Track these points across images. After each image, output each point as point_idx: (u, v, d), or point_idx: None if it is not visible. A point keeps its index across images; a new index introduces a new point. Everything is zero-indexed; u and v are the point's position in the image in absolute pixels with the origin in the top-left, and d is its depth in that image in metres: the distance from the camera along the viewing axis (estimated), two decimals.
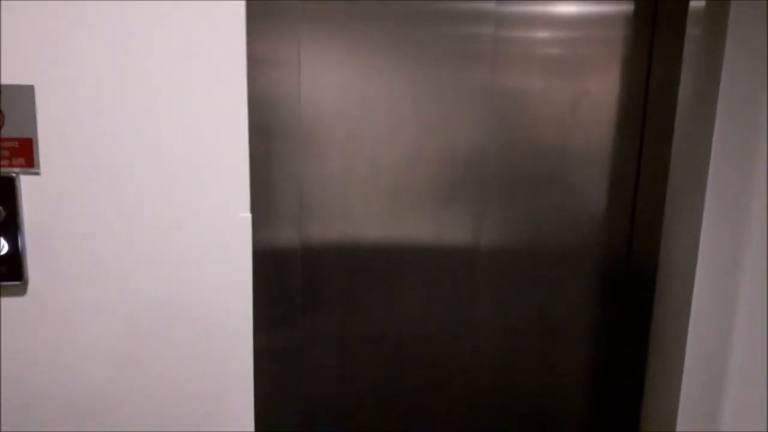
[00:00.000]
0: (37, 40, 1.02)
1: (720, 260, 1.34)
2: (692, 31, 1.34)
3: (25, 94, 1.03)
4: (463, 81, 1.37)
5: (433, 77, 1.35)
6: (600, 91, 1.41)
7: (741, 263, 1.34)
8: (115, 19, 1.03)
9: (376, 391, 1.48)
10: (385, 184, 1.38)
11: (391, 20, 1.31)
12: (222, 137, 1.11)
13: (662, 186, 1.44)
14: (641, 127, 1.43)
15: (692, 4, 1.34)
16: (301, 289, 1.38)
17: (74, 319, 1.11)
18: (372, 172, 1.36)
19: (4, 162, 1.04)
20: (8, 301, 1.08)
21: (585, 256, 1.49)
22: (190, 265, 1.13)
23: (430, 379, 1.50)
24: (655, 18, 1.39)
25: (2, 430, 1.12)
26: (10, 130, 1.03)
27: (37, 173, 1.06)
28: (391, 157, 1.37)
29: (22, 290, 1.08)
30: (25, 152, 1.04)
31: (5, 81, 1.02)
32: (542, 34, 1.38)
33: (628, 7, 1.39)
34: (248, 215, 1.14)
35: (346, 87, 1.32)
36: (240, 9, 1.07)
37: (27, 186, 1.05)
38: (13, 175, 1.04)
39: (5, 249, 1.05)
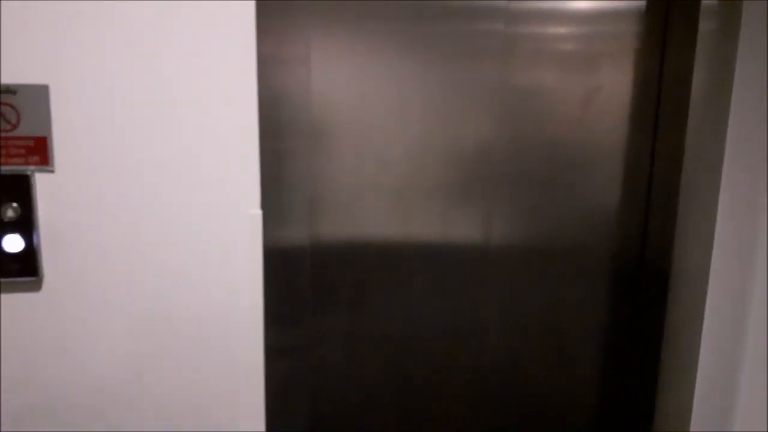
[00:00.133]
0: (51, 40, 1.04)
1: (735, 257, 1.32)
2: (705, 26, 1.33)
3: (40, 93, 1.05)
4: (474, 78, 1.36)
5: (444, 74, 1.35)
6: (612, 87, 1.40)
7: (756, 260, 1.32)
8: (127, 20, 1.05)
9: (385, 389, 1.48)
10: (395, 182, 1.38)
11: (401, 17, 1.32)
12: (233, 135, 1.12)
13: (676, 182, 1.42)
14: (654, 123, 1.42)
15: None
16: (311, 287, 1.38)
17: (87, 315, 1.13)
18: (382, 169, 1.37)
19: (20, 160, 1.06)
20: (23, 297, 1.10)
21: (597, 253, 1.47)
22: (201, 263, 1.15)
23: (439, 377, 1.50)
24: (667, 13, 1.38)
25: (17, 427, 1.14)
26: (25, 129, 1.05)
27: (52, 171, 1.07)
28: (402, 155, 1.37)
29: (36, 286, 1.10)
30: (40, 150, 1.06)
31: (21, 81, 1.04)
32: (553, 30, 1.37)
33: (640, 3, 1.38)
34: (258, 212, 1.15)
35: (356, 84, 1.33)
36: (250, 8, 1.08)
37: (41, 183, 1.07)
38: (29, 173, 1.06)
39: (20, 245, 1.07)
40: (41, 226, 1.08)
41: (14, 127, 1.05)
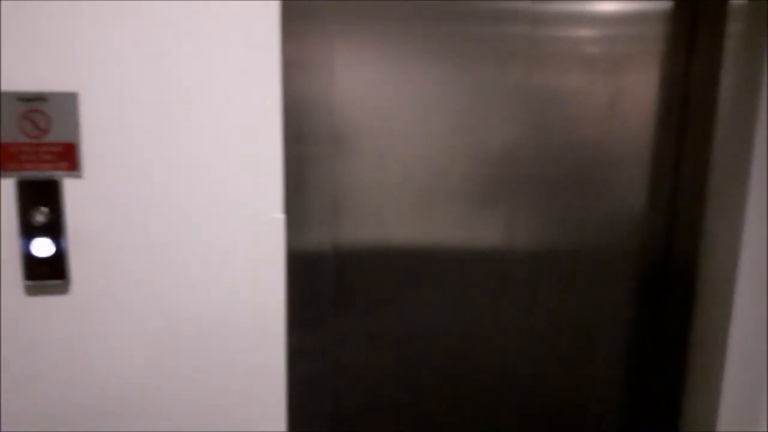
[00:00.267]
0: (80, 49, 1.06)
1: (762, 259, 1.29)
2: (733, 27, 1.31)
3: (70, 101, 1.07)
4: (499, 80, 1.36)
5: (468, 77, 1.35)
6: (639, 89, 1.38)
7: None
8: (153, 28, 1.07)
9: (407, 392, 1.48)
10: (419, 185, 1.38)
11: (425, 20, 1.32)
12: (257, 139, 1.13)
13: (702, 185, 1.40)
14: (681, 125, 1.40)
15: (732, 1, 1.30)
16: (333, 290, 1.39)
17: (113, 317, 1.15)
18: (405, 173, 1.37)
19: (49, 165, 1.08)
20: (52, 299, 1.12)
21: (623, 257, 1.46)
22: (225, 266, 1.16)
23: (462, 381, 1.49)
24: (695, 15, 1.36)
25: (45, 426, 1.17)
26: (55, 136, 1.08)
27: (80, 176, 1.10)
28: (425, 159, 1.37)
29: (64, 289, 1.12)
30: (69, 156, 1.09)
31: (51, 89, 1.06)
32: (579, 32, 1.36)
33: (667, 4, 1.36)
34: (282, 216, 1.16)
35: (380, 87, 1.33)
36: (275, 13, 1.09)
37: (70, 189, 1.10)
38: (58, 178, 1.09)
39: (50, 249, 1.10)
40: (69, 229, 1.10)
41: (44, 133, 1.07)
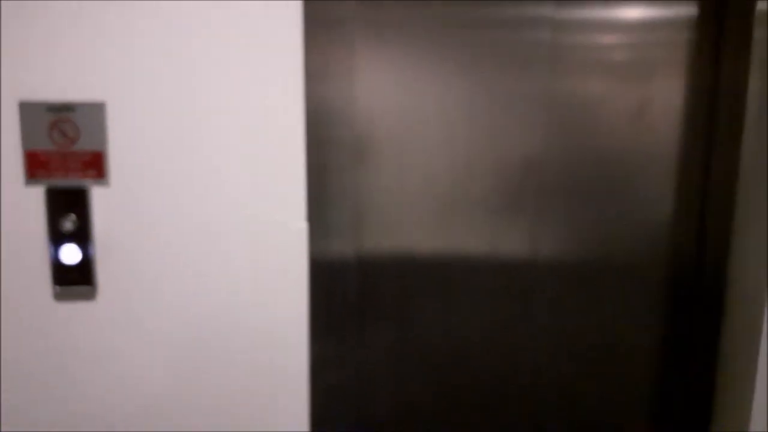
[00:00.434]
0: (108, 60, 1.08)
1: None
2: (759, 33, 1.29)
3: (98, 110, 1.09)
4: (521, 88, 1.35)
5: (490, 84, 1.35)
6: (664, 97, 1.37)
7: None
8: (178, 39, 1.09)
9: (429, 402, 1.47)
10: (442, 195, 1.38)
11: (447, 27, 1.32)
12: (279, 149, 1.14)
13: (731, 194, 1.38)
14: (708, 132, 1.38)
15: (759, 6, 1.29)
16: (356, 299, 1.39)
17: (138, 323, 1.16)
18: (427, 182, 1.37)
19: (78, 174, 1.10)
20: (79, 305, 1.14)
21: (650, 268, 1.43)
22: (248, 274, 1.17)
23: (484, 390, 1.48)
24: (720, 21, 1.34)
25: (73, 429, 1.18)
26: (83, 144, 1.10)
27: (107, 185, 1.12)
28: (447, 167, 1.37)
29: (91, 294, 1.14)
30: (97, 165, 1.11)
31: (80, 98, 1.09)
32: (601, 39, 1.35)
33: (691, 10, 1.34)
34: (304, 225, 1.17)
35: (401, 95, 1.33)
36: (298, 21, 1.10)
37: (97, 197, 1.12)
38: (86, 186, 1.11)
39: (78, 256, 1.12)
40: (96, 236, 1.12)
41: (73, 142, 1.09)
